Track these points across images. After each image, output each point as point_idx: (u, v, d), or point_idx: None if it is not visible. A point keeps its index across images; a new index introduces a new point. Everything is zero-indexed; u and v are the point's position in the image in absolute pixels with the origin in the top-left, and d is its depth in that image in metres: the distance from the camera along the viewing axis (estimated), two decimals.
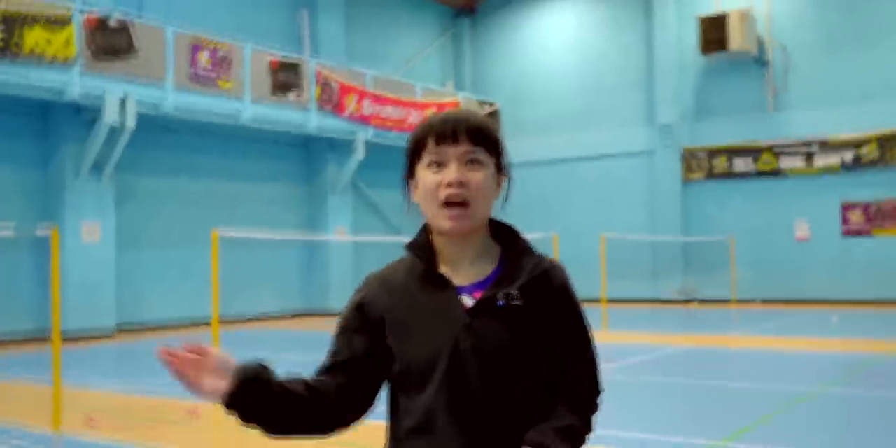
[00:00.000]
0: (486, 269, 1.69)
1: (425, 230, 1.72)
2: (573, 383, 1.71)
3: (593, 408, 1.73)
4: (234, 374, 1.54)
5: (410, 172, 1.69)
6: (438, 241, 1.70)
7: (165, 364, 1.53)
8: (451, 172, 1.60)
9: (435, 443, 1.59)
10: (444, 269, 1.69)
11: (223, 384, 1.53)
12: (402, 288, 1.68)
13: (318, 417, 1.65)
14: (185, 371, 1.52)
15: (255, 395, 1.54)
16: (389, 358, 1.68)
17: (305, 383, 1.64)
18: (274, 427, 1.60)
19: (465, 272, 1.68)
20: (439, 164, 1.62)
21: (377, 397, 1.72)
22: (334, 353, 1.71)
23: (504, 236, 1.74)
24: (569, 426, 1.62)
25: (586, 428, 1.68)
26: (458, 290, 1.65)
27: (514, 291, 1.62)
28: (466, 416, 1.58)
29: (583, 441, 1.66)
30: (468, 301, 1.64)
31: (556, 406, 1.66)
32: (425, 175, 1.64)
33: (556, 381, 1.70)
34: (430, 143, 1.63)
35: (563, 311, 1.69)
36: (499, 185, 1.71)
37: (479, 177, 1.62)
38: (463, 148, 1.62)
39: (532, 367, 1.64)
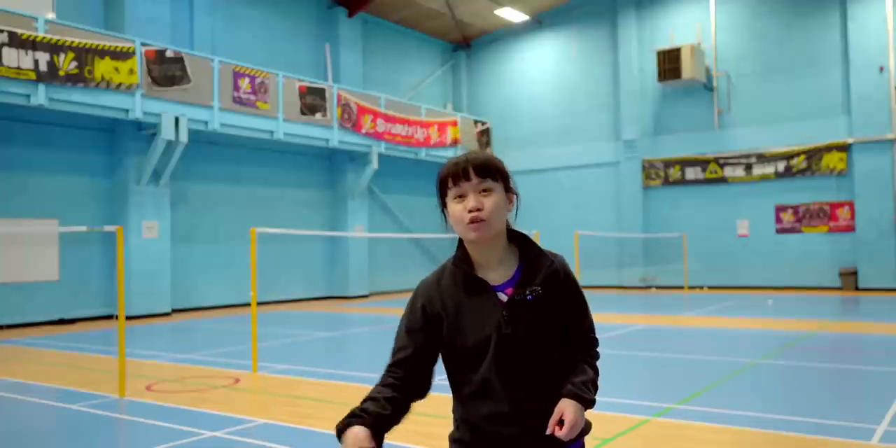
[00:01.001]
0: (510, 269, 1.88)
1: (461, 246, 1.89)
2: (582, 343, 1.94)
3: (597, 356, 1.97)
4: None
5: (443, 204, 1.87)
6: (472, 252, 1.88)
7: None
8: (470, 201, 1.80)
9: (492, 402, 1.82)
10: (480, 273, 1.87)
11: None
12: (453, 292, 1.86)
13: (405, 409, 1.83)
14: None
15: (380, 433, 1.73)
16: (441, 346, 1.88)
17: (391, 399, 1.78)
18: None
19: (496, 273, 1.87)
20: (461, 196, 1.82)
21: (434, 373, 1.90)
22: (401, 349, 1.87)
23: (519, 241, 1.91)
24: (590, 379, 1.87)
25: (597, 374, 1.92)
26: (495, 289, 1.84)
27: (536, 287, 1.83)
28: (512, 381, 1.81)
29: (597, 387, 1.90)
30: (503, 297, 1.83)
31: (574, 362, 1.90)
32: (453, 206, 1.83)
33: (569, 346, 1.91)
34: (451, 183, 1.82)
35: (569, 295, 1.91)
36: (511, 201, 1.89)
37: (490, 201, 1.81)
38: (474, 182, 1.81)
39: (554, 342, 1.87)
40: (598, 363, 1.97)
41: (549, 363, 1.85)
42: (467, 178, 1.80)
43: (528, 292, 1.82)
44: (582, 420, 1.78)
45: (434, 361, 1.89)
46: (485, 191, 1.81)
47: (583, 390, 1.82)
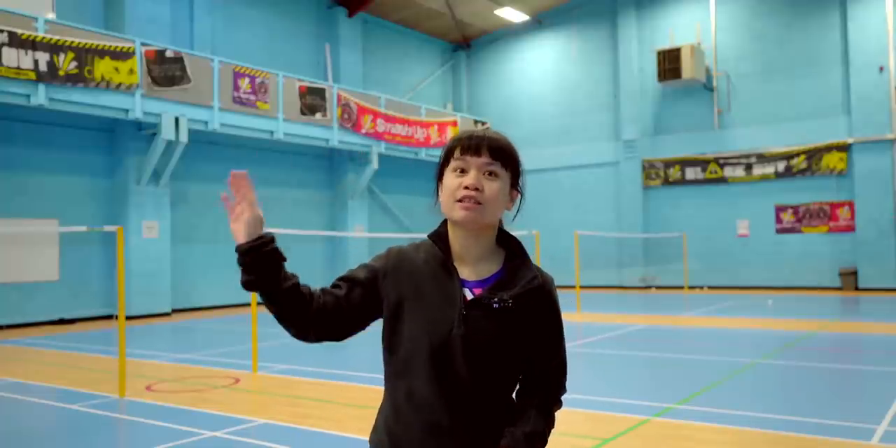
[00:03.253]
0: (489, 269, 1.67)
1: (445, 224, 1.70)
2: (544, 383, 1.70)
3: (558, 404, 1.73)
4: (262, 229, 1.57)
5: (440, 176, 1.68)
6: (453, 236, 1.67)
7: (233, 186, 1.56)
8: (471, 178, 1.60)
9: (422, 410, 1.59)
10: (454, 262, 1.66)
11: (255, 226, 1.55)
12: (418, 270, 1.65)
13: (289, 308, 1.60)
14: (240, 198, 1.56)
15: (262, 251, 1.53)
16: (367, 320, 1.68)
17: (297, 282, 1.60)
18: (254, 284, 1.55)
19: (471, 268, 1.66)
20: (462, 171, 1.62)
21: (344, 337, 1.69)
22: (334, 287, 1.68)
23: (509, 245, 1.71)
24: (539, 433, 1.63)
25: (550, 426, 1.68)
26: (463, 283, 1.63)
27: (507, 297, 1.61)
28: (449, 392, 1.58)
29: (546, 441, 1.65)
30: (469, 295, 1.62)
31: (527, 404, 1.67)
32: (450, 178, 1.63)
33: (530, 377, 1.70)
34: (457, 153, 1.63)
35: (546, 320, 1.69)
36: (512, 199, 1.69)
37: (493, 186, 1.61)
38: (483, 160, 1.61)
39: (511, 362, 1.64)
40: (558, 412, 1.72)
41: (498, 385, 1.63)
42: (477, 154, 1.61)
43: (495, 299, 1.60)
44: None
45: (351, 325, 1.66)
46: (491, 174, 1.61)
47: (523, 444, 1.59)
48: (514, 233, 1.75)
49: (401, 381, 1.63)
